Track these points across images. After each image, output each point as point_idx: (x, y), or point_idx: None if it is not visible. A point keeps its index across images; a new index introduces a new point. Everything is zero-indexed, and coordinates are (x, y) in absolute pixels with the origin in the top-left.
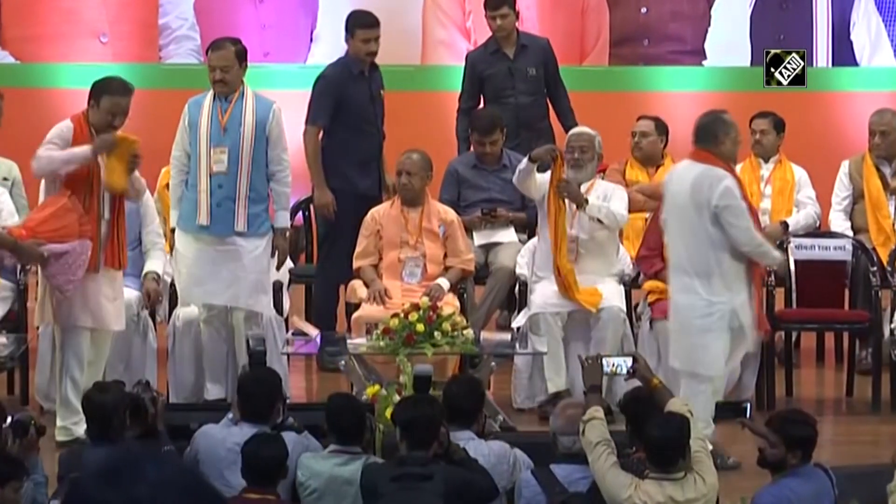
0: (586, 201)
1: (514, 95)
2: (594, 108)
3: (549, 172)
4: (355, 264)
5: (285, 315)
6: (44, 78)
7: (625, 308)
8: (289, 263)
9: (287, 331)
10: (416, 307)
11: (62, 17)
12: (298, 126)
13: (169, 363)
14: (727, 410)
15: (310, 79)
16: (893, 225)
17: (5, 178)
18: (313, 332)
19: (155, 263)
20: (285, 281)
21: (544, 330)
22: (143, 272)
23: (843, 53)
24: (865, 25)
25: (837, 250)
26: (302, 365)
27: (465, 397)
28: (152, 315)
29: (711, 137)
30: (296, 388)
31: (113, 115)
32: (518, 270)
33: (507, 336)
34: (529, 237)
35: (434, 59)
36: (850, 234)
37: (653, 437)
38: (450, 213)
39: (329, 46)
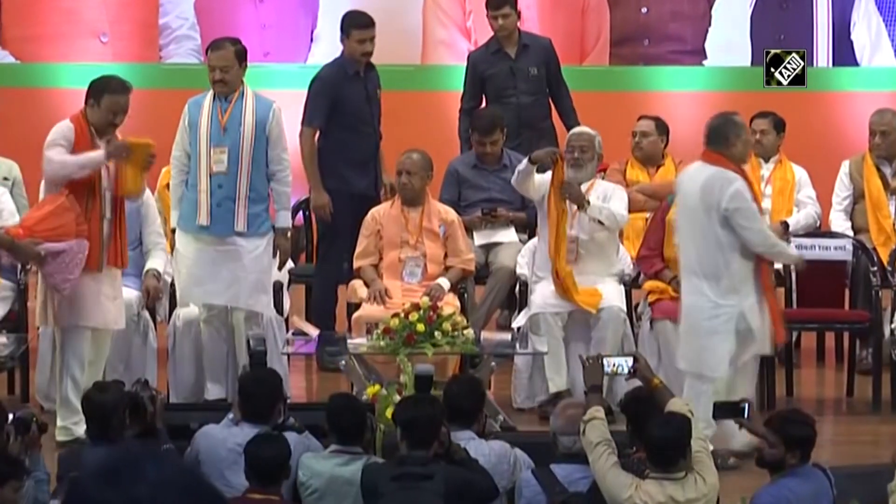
0: (588, 203)
1: (516, 95)
2: (594, 108)
3: (548, 173)
4: (355, 264)
5: (285, 315)
6: (44, 78)
7: (625, 308)
8: (289, 263)
9: (287, 331)
10: (416, 307)
11: (62, 17)
12: (298, 126)
13: (169, 363)
14: (725, 410)
15: (310, 79)
16: (894, 225)
17: (6, 178)
18: (313, 332)
19: (156, 262)
20: (285, 281)
21: (544, 330)
22: (144, 270)
23: (844, 53)
24: (866, 25)
25: (838, 250)
26: (302, 365)
27: (466, 397)
28: (152, 314)
29: (722, 139)
30: (296, 388)
31: (114, 114)
32: (518, 270)
33: (508, 336)
34: (529, 237)
35: (434, 59)
36: (851, 234)
37: (654, 436)
38: (450, 213)
39: (329, 46)
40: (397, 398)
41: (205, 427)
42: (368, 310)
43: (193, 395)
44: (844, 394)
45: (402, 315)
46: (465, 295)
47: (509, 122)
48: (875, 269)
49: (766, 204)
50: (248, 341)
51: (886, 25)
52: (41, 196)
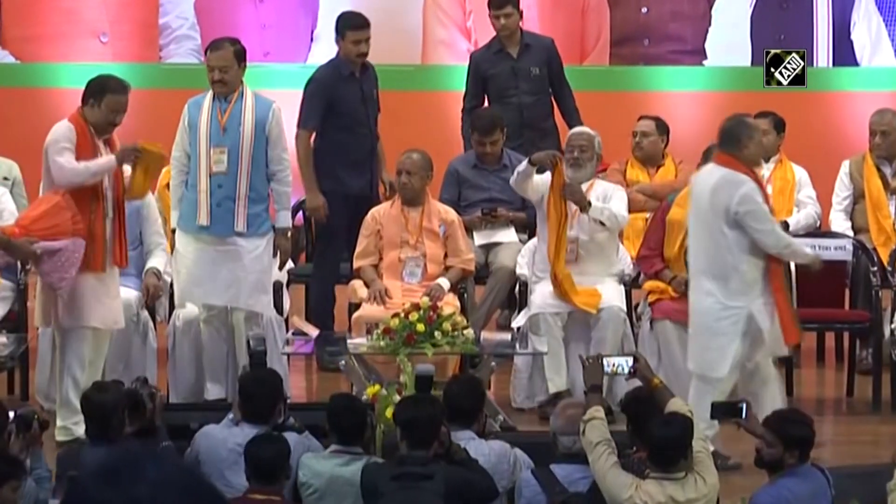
0: (589, 204)
1: (518, 95)
2: (594, 108)
3: (547, 173)
4: (355, 264)
5: (285, 315)
6: (44, 78)
7: (625, 308)
8: (289, 263)
9: (287, 331)
10: (416, 307)
11: (62, 17)
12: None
13: (169, 363)
14: (723, 411)
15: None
16: (894, 225)
17: (6, 178)
18: (313, 332)
19: (157, 261)
20: (285, 281)
21: (544, 330)
22: (145, 268)
23: (844, 53)
24: (866, 25)
25: (838, 250)
26: (302, 365)
27: (466, 397)
28: (152, 314)
29: (735, 141)
30: (296, 388)
31: (114, 113)
32: (518, 270)
33: (507, 336)
34: (529, 237)
35: (434, 59)
36: (851, 234)
37: (656, 436)
38: (450, 213)
39: (329, 46)
40: (397, 398)
41: (205, 427)
42: (368, 310)
43: (193, 395)
44: (844, 394)
45: (402, 315)
46: (465, 295)
47: (511, 122)
48: (875, 269)
49: None
50: (248, 341)
51: (886, 25)
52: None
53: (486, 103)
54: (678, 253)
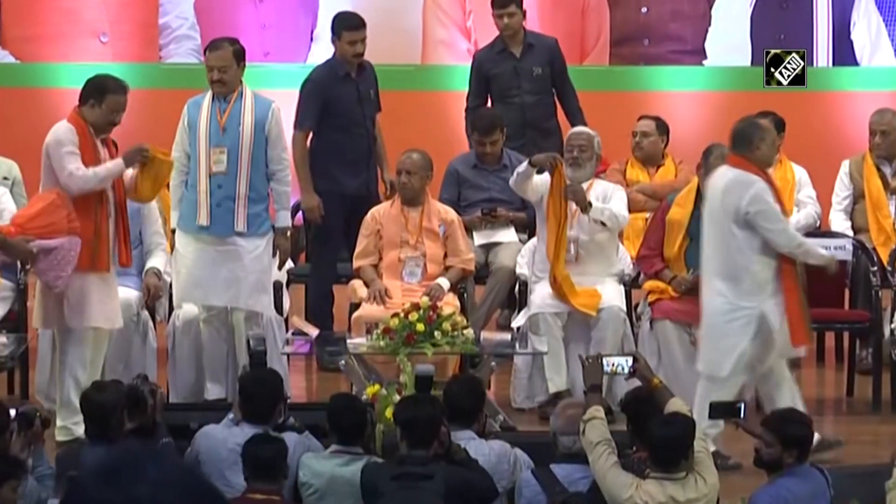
0: (590, 204)
1: (520, 95)
2: (594, 108)
3: (546, 174)
4: (355, 264)
5: (285, 315)
6: (44, 78)
7: (625, 308)
8: (288, 263)
9: (287, 331)
10: (416, 307)
11: (62, 17)
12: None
13: (169, 363)
14: (721, 411)
15: None
16: (894, 225)
17: (5, 178)
18: (313, 332)
19: (157, 261)
20: (285, 281)
21: (544, 330)
22: (145, 268)
23: (844, 53)
24: (866, 25)
25: (838, 250)
26: (302, 365)
27: (466, 397)
28: (152, 314)
29: (747, 143)
30: (296, 388)
31: (115, 113)
32: (518, 270)
33: (507, 336)
34: (529, 237)
35: (434, 59)
36: (851, 233)
37: (657, 437)
38: (450, 213)
39: (329, 46)
40: (397, 398)
41: (205, 427)
42: (368, 310)
43: (193, 395)
44: (844, 394)
45: (402, 315)
46: (465, 295)
47: (513, 122)
48: (875, 269)
49: None
50: (248, 341)
51: (886, 25)
52: None
53: (489, 103)
54: (678, 253)
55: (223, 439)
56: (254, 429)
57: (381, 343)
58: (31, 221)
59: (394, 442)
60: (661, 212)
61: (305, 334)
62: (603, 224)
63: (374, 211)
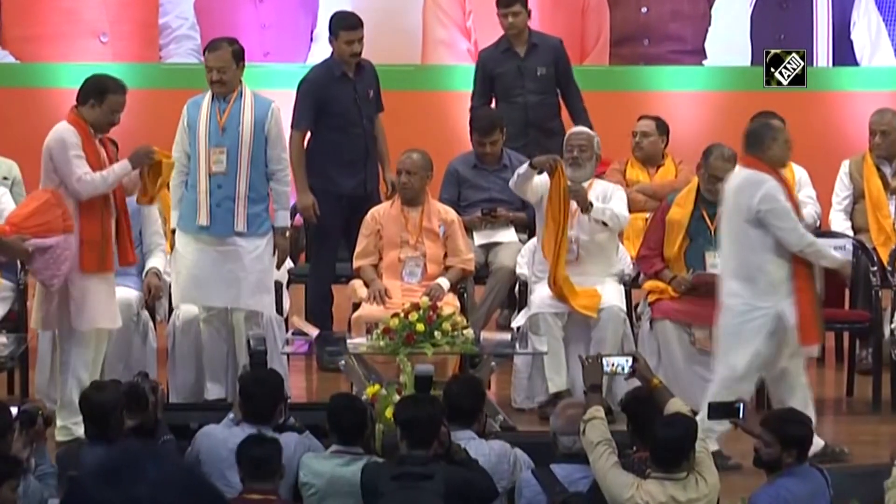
0: (591, 205)
1: (523, 94)
2: (594, 108)
3: (545, 174)
4: (355, 264)
5: (285, 315)
6: (44, 78)
7: (625, 308)
8: (288, 263)
9: (287, 331)
10: (416, 307)
11: (62, 17)
12: None
13: (169, 363)
14: (720, 411)
15: None
16: (894, 225)
17: (5, 178)
18: (313, 332)
19: (157, 261)
20: (285, 281)
21: (544, 330)
22: (145, 269)
23: (844, 53)
24: (866, 25)
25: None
26: (302, 365)
27: (466, 397)
28: (152, 314)
29: (759, 143)
30: (296, 388)
31: (116, 114)
32: (518, 270)
33: (507, 336)
34: (529, 237)
35: (434, 59)
36: (851, 233)
37: (659, 437)
38: (450, 213)
39: (329, 46)
40: (397, 398)
41: (206, 427)
42: (368, 310)
43: (193, 395)
44: (844, 394)
45: (402, 315)
46: (465, 295)
47: (517, 122)
48: (875, 269)
49: None
50: (248, 341)
51: (886, 25)
52: None
53: (493, 102)
54: (678, 253)
55: (223, 439)
56: (254, 429)
57: (381, 343)
58: (26, 220)
59: (394, 442)
60: (661, 212)
61: (305, 334)
62: (604, 224)
63: (374, 211)
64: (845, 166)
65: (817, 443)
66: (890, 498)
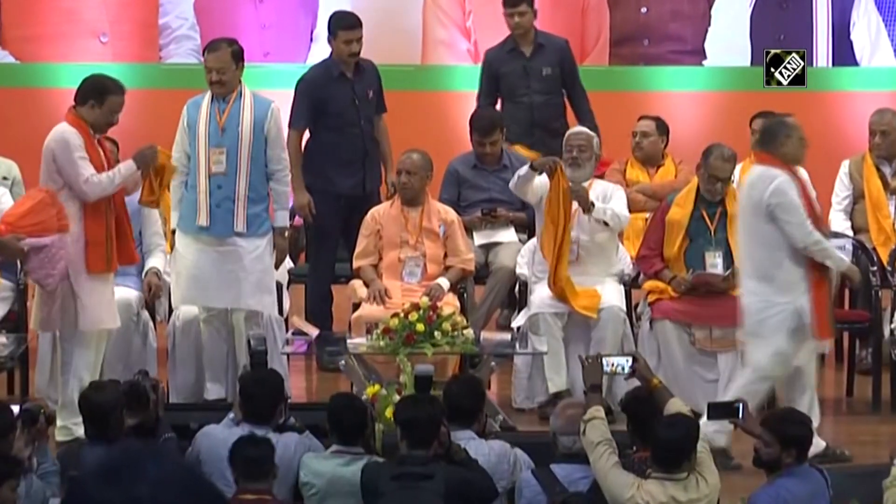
0: (592, 205)
1: (529, 94)
2: (594, 108)
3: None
4: (355, 264)
5: (285, 315)
6: (44, 78)
7: (625, 308)
8: (288, 263)
9: (287, 331)
10: (416, 307)
11: (62, 17)
12: None
13: (169, 363)
14: (720, 411)
15: None
16: (893, 225)
17: (5, 178)
18: (313, 332)
19: (156, 261)
20: (285, 281)
21: (544, 330)
22: (145, 269)
23: (843, 53)
24: (865, 25)
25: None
26: (302, 365)
27: (466, 397)
28: (152, 313)
29: (772, 139)
30: (296, 388)
31: (115, 114)
32: (518, 270)
33: (507, 336)
34: (529, 237)
35: (434, 59)
36: (851, 233)
37: (660, 438)
38: (450, 213)
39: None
40: (397, 398)
41: (206, 427)
42: (368, 310)
43: (193, 395)
44: (844, 394)
45: (402, 315)
46: (465, 295)
47: (522, 122)
48: (875, 269)
49: None
50: (248, 341)
51: (886, 25)
52: None
53: (499, 102)
54: (678, 253)
55: (224, 439)
56: (254, 429)
57: (381, 343)
58: (20, 220)
59: (394, 442)
60: (661, 212)
61: (305, 334)
62: (605, 224)
63: (374, 211)
64: (845, 166)
65: (818, 444)
66: (888, 497)
